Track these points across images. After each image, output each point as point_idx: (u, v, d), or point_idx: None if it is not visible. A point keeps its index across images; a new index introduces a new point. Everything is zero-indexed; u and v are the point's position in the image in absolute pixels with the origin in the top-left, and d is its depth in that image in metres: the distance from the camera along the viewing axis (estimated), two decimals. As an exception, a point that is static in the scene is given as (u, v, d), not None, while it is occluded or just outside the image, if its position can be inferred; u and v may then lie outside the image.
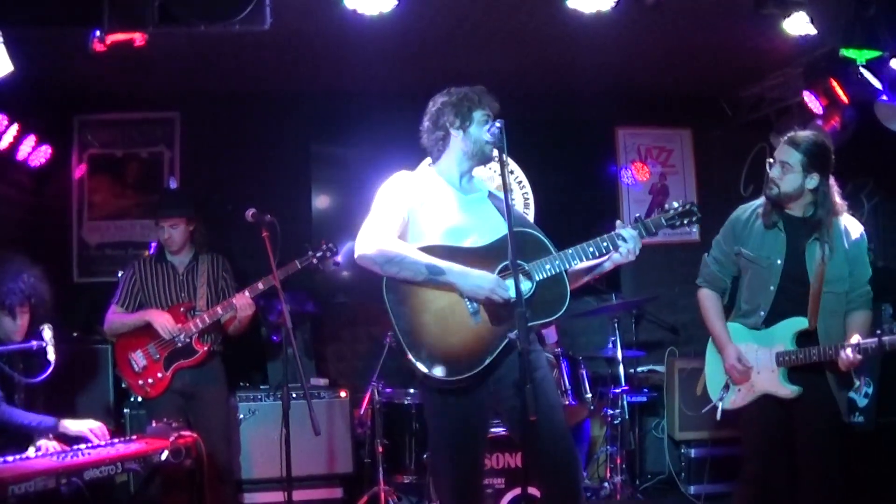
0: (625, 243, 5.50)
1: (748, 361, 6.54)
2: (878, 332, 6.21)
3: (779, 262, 6.54)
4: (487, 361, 5.40)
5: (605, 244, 5.53)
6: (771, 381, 6.50)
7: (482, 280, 5.40)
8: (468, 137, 5.78)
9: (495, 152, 5.60)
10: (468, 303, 5.46)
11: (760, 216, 6.68)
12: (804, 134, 6.56)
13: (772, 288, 6.55)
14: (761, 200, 6.79)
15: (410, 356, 5.40)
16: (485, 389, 5.55)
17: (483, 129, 5.70)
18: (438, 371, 5.39)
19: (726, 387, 6.68)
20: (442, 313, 5.46)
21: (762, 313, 6.59)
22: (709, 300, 6.91)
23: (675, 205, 5.73)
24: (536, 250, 5.57)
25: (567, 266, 5.51)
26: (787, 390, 6.45)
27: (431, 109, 5.92)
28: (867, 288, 6.62)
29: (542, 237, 5.65)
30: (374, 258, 5.48)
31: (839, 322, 6.51)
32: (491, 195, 6.00)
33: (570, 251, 5.53)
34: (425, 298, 5.48)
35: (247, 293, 8.03)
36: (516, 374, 5.26)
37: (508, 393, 5.51)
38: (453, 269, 5.42)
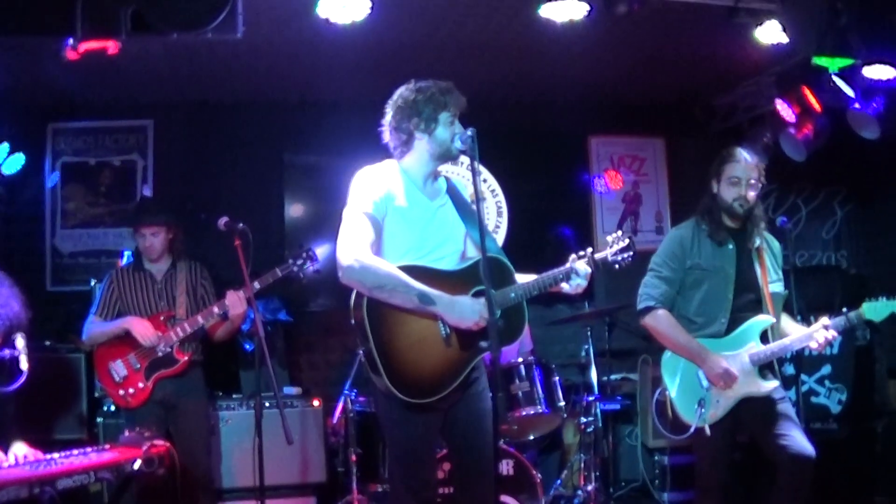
0: (577, 277, 5.75)
1: (734, 367, 6.63)
2: (845, 309, 6.71)
3: (731, 271, 6.84)
4: (453, 386, 5.52)
5: (560, 276, 5.75)
6: (750, 381, 6.66)
7: (469, 311, 5.45)
8: (434, 140, 5.73)
9: (460, 152, 5.68)
10: (442, 328, 5.52)
11: (707, 234, 6.97)
12: (748, 152, 7.00)
13: (729, 296, 6.81)
14: (692, 222, 7.14)
15: (383, 374, 5.42)
16: (446, 403, 5.65)
17: (449, 130, 5.70)
18: (406, 391, 5.45)
19: (700, 404, 6.69)
20: (415, 336, 5.50)
21: (723, 320, 6.81)
22: (669, 318, 6.94)
23: (616, 237, 6.01)
24: (503, 277, 5.70)
25: (530, 295, 5.70)
26: (768, 386, 6.67)
27: (395, 107, 5.85)
28: (786, 292, 7.13)
29: (506, 261, 5.79)
30: (362, 282, 5.46)
31: (780, 321, 6.92)
32: (451, 192, 6.00)
33: (532, 282, 5.72)
34: (400, 320, 5.50)
35: (242, 292, 7.97)
36: (470, 388, 5.63)
37: (457, 404, 5.71)
38: (443, 300, 5.46)
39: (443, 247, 5.74)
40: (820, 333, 6.60)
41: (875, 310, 6.64)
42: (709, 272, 6.87)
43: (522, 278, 5.78)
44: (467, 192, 6.09)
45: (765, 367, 6.74)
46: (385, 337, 5.47)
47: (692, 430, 6.70)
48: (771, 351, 6.66)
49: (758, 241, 6.88)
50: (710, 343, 6.77)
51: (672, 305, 7.00)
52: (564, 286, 5.76)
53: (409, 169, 5.84)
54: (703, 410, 6.66)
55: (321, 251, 8.48)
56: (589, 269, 5.75)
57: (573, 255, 5.80)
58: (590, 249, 5.84)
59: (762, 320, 6.74)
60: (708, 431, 6.64)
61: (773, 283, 6.88)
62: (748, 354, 6.67)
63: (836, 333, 6.63)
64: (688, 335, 6.82)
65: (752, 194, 6.80)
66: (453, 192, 6.00)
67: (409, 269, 5.52)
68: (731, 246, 6.86)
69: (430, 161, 5.82)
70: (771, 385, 6.65)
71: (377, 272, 5.43)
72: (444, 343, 5.51)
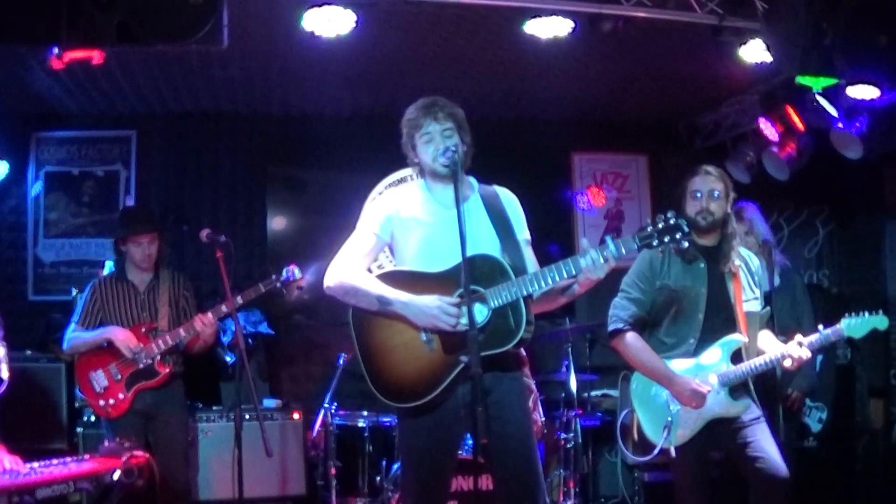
0: (588, 259, 5.26)
1: (703, 384, 6.53)
2: (821, 327, 6.60)
3: (703, 290, 6.70)
4: (438, 390, 5.41)
5: (566, 268, 5.35)
6: (719, 402, 6.54)
7: (426, 307, 5.38)
8: (423, 162, 5.73)
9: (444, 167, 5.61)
10: (422, 331, 5.47)
11: (677, 253, 6.74)
12: (713, 167, 6.91)
13: (700, 316, 6.69)
14: None
15: (368, 381, 5.50)
16: (453, 412, 5.52)
17: (426, 149, 5.66)
18: (388, 395, 5.49)
19: (668, 425, 6.64)
20: (399, 341, 5.50)
21: (692, 341, 6.69)
22: (638, 340, 6.85)
23: (664, 216, 5.35)
24: (496, 275, 5.44)
25: (525, 292, 5.36)
26: (738, 407, 6.54)
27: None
28: (767, 309, 7.01)
29: (503, 261, 5.52)
30: (335, 290, 5.62)
31: (756, 340, 6.73)
32: (485, 200, 5.88)
33: (530, 276, 5.38)
34: (386, 326, 5.53)
35: (210, 315, 7.95)
36: (492, 396, 5.42)
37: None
38: (400, 299, 5.44)
39: (450, 253, 5.44)
40: (794, 352, 6.47)
41: (855, 327, 6.52)
42: (678, 292, 6.74)
43: None
44: (510, 202, 6.07)
45: (737, 388, 6.60)
46: (367, 342, 5.57)
47: (657, 451, 6.70)
48: (741, 371, 6.53)
49: (737, 262, 6.73)
50: (679, 365, 6.70)
51: (643, 327, 6.94)
52: (583, 272, 5.30)
53: (428, 182, 5.86)
54: (669, 432, 6.61)
55: (312, 266, 8.45)
56: (609, 248, 5.23)
57: (584, 239, 5.58)
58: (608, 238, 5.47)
59: (732, 340, 6.60)
60: (673, 453, 6.61)
61: (748, 301, 6.74)
62: (717, 375, 6.55)
63: (809, 353, 6.49)
64: (656, 357, 6.75)
65: (714, 206, 6.69)
66: (489, 201, 5.92)
67: (390, 274, 5.62)
68: (702, 265, 6.74)
69: (434, 180, 5.80)
70: (741, 406, 6.53)
71: (344, 282, 5.58)
72: (425, 347, 5.46)
